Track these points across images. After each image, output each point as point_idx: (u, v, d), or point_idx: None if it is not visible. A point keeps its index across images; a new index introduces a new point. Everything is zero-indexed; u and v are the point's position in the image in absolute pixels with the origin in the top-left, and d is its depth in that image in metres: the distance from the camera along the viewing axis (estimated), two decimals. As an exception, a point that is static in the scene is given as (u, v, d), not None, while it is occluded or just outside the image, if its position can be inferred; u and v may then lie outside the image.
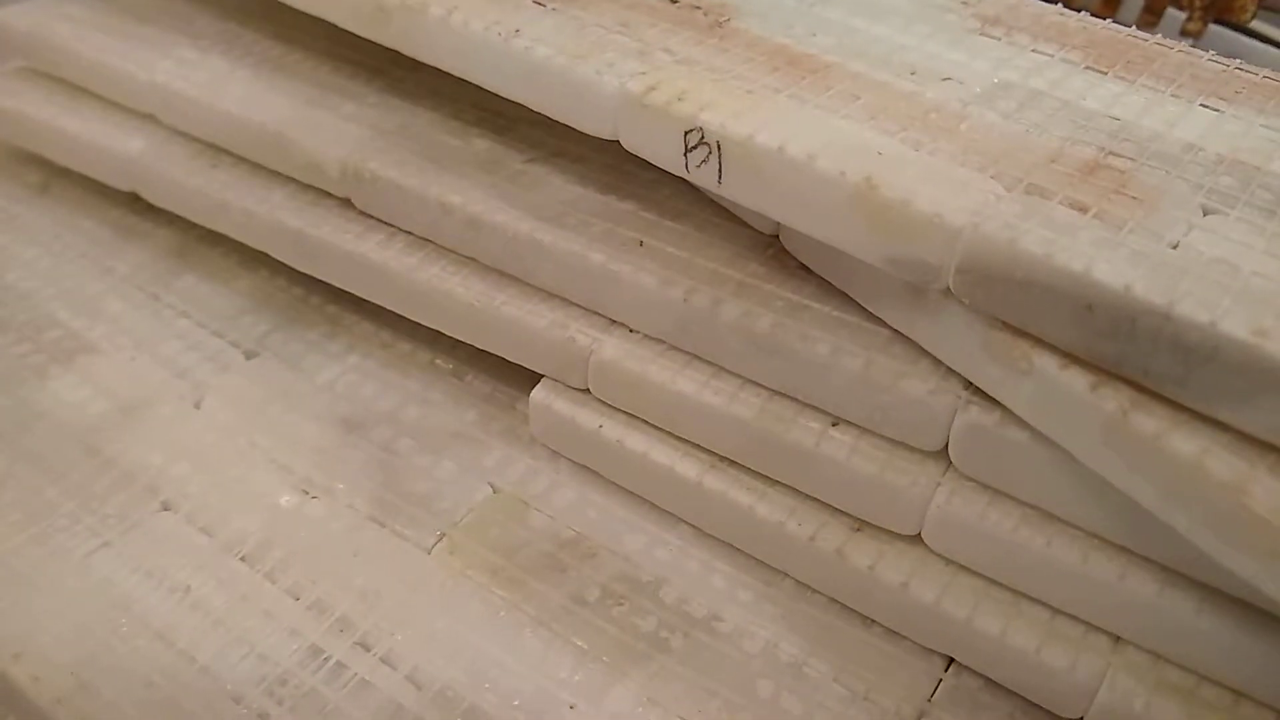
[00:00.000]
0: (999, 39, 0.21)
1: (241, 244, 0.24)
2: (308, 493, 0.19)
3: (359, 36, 0.21)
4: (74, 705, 0.16)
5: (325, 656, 0.17)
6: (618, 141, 0.18)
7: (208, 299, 0.24)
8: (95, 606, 0.17)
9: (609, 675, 0.17)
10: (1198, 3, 0.36)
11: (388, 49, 0.21)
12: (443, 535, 0.19)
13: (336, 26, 0.21)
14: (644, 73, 0.18)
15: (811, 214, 0.16)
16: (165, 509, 0.19)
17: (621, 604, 0.18)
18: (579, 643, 0.17)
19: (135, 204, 0.26)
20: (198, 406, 0.21)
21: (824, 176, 0.16)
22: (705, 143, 0.17)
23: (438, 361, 0.23)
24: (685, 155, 0.17)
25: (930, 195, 0.15)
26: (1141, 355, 0.14)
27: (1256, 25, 0.37)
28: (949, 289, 0.15)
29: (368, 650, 0.17)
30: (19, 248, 0.25)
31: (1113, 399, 0.14)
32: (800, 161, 0.16)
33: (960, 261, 0.15)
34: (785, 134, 0.16)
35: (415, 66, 0.21)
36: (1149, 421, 0.14)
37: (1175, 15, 0.36)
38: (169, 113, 0.24)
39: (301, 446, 0.20)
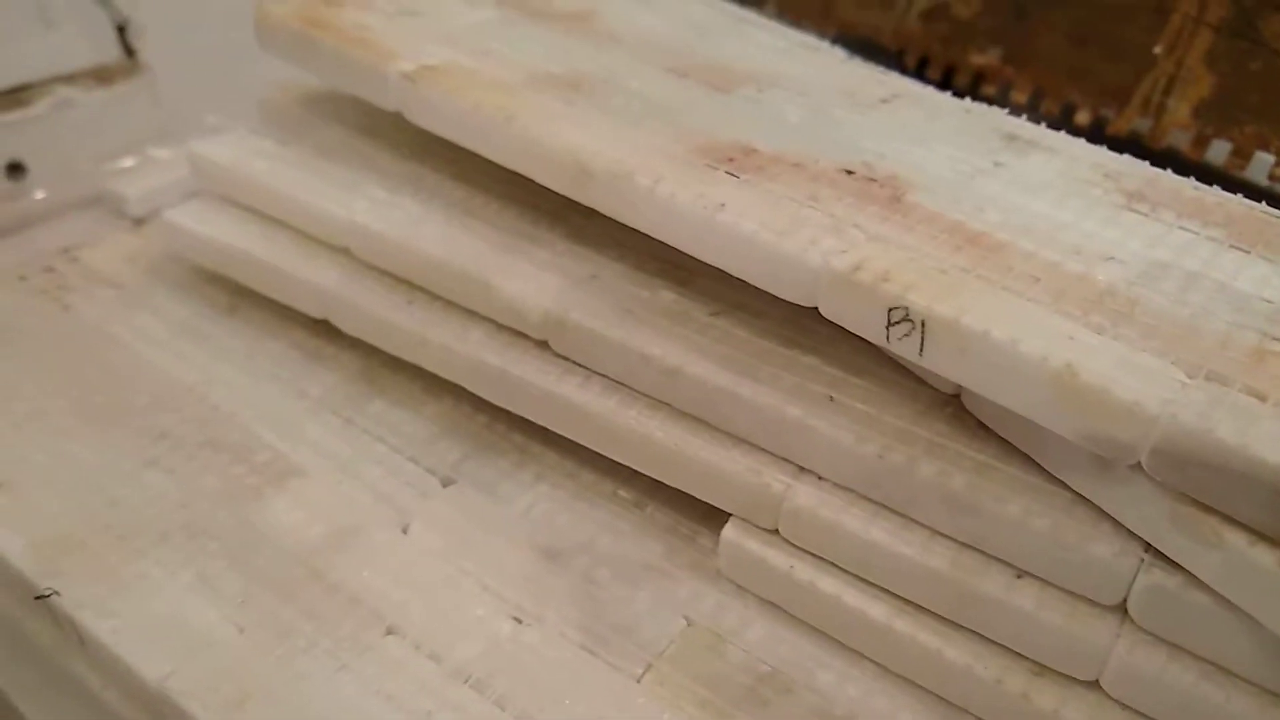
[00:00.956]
0: (1145, 215, 0.23)
1: (425, 370, 0.26)
2: (520, 620, 0.21)
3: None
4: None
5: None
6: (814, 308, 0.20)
7: (399, 424, 0.26)
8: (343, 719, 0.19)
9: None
10: None
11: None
12: (650, 666, 0.20)
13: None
14: (845, 250, 0.20)
15: (1013, 391, 0.18)
16: (391, 633, 0.21)
17: (823, 739, 0.20)
18: (788, 774, 0.19)
19: (317, 326, 0.28)
20: (405, 532, 0.23)
21: (1027, 359, 0.18)
22: (910, 320, 0.19)
23: (620, 492, 0.24)
24: (888, 328, 0.19)
25: (1126, 383, 0.17)
26: None
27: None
28: (1140, 465, 0.17)
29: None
30: (217, 367, 0.27)
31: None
32: (1004, 345, 0.18)
33: (1155, 444, 0.17)
34: (987, 318, 0.18)
35: (592, 214, 0.23)
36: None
37: (1264, 158, 0.38)
38: (365, 249, 0.26)
39: (508, 573, 0.22)
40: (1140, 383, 0.17)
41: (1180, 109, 0.40)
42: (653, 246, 0.23)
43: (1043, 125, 0.28)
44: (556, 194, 0.23)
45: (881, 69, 0.31)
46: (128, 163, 0.47)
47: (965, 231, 0.21)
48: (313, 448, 0.25)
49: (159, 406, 0.26)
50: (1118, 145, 0.42)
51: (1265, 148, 0.38)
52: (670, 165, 0.22)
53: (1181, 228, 0.23)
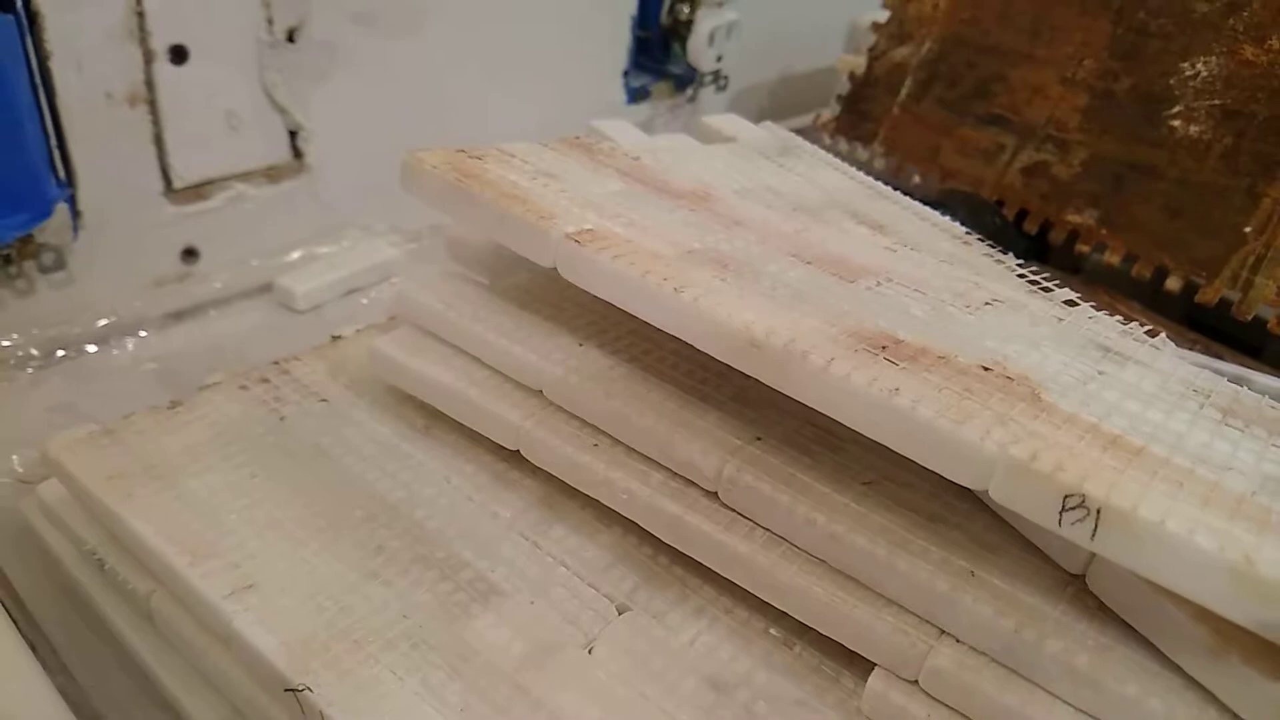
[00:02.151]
0: (1242, 430, 0.27)
1: (597, 501, 0.30)
2: (695, 744, 0.25)
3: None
4: None
5: None
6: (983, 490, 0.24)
7: (578, 550, 0.30)
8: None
9: None
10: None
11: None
12: (808, 794, 0.24)
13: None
14: (1018, 441, 0.23)
15: (1188, 580, 0.20)
16: (588, 745, 0.24)
17: None
18: None
19: (504, 451, 0.32)
20: (590, 652, 0.27)
21: (1204, 550, 0.20)
22: (1085, 507, 0.22)
23: (771, 631, 0.28)
24: (1060, 514, 0.22)
25: None
26: None
27: None
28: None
29: None
30: (419, 485, 0.31)
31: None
32: (1180, 536, 0.20)
33: None
34: (1159, 510, 0.21)
35: (752, 378, 0.27)
36: None
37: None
38: (557, 395, 0.31)
39: (683, 701, 0.26)
40: None
41: (1268, 287, 0.44)
42: (808, 413, 0.26)
43: (1136, 337, 0.31)
44: (725, 372, 0.27)
45: (967, 254, 0.35)
46: (293, 256, 0.52)
47: (1103, 434, 0.25)
48: (507, 568, 0.29)
49: (373, 521, 0.30)
50: (1207, 313, 0.45)
51: (1348, 330, 0.42)
52: (831, 345, 0.26)
53: (1275, 445, 0.26)
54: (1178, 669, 0.23)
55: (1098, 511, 0.22)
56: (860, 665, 0.26)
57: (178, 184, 0.48)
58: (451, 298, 0.33)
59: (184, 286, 0.50)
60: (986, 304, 0.32)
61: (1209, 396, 0.28)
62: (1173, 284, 0.46)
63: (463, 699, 0.25)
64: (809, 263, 0.32)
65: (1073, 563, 0.25)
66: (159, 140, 0.46)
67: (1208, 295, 0.45)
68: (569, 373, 0.30)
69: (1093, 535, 0.22)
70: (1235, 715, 0.22)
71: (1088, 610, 0.24)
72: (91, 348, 0.45)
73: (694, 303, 0.27)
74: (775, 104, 0.77)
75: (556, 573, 0.29)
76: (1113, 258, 0.48)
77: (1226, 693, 0.22)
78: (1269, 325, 0.43)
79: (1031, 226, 0.52)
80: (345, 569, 0.28)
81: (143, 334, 0.46)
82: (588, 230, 0.30)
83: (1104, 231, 0.49)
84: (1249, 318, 0.44)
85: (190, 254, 0.50)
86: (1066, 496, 0.22)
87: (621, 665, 0.27)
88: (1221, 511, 0.22)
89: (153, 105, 0.45)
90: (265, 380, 0.35)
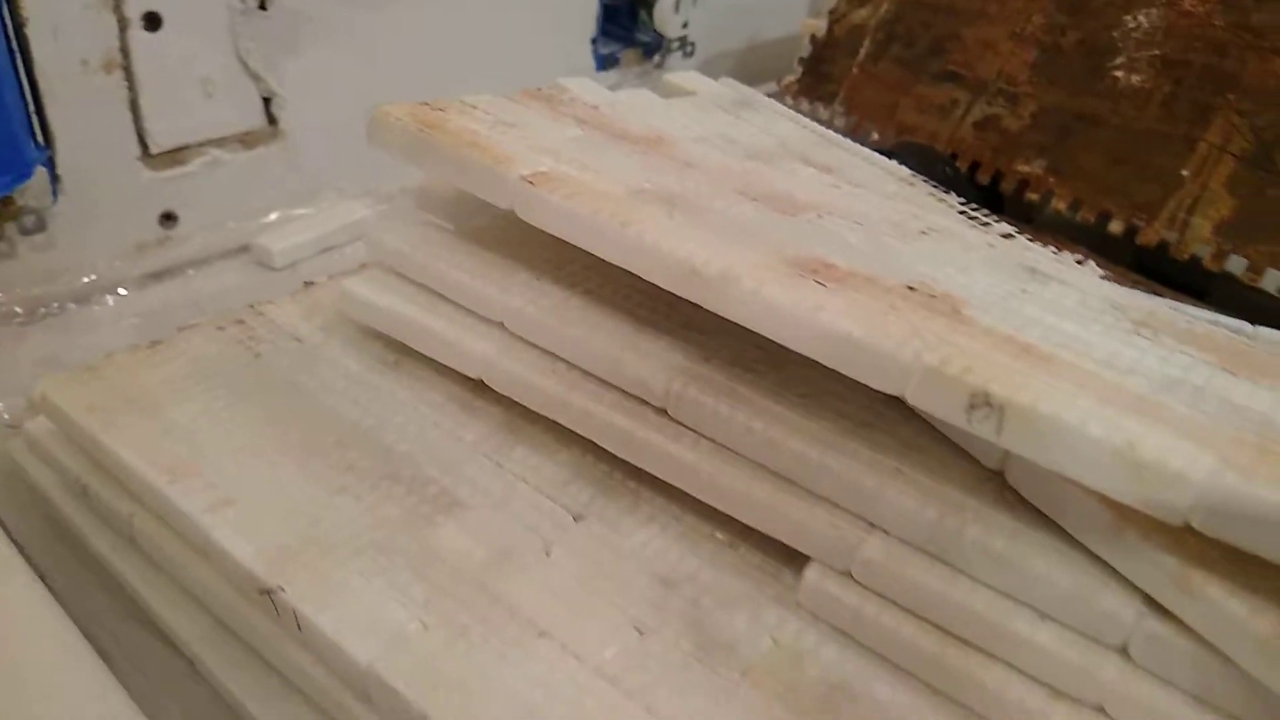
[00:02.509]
0: (1151, 339, 0.29)
1: (556, 424, 0.32)
2: (643, 632, 0.27)
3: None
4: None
5: (683, 757, 0.24)
6: (900, 396, 0.25)
7: (538, 467, 0.32)
8: (519, 708, 0.24)
9: (880, 790, 0.24)
10: (1290, 266, 0.44)
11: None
12: (745, 672, 0.26)
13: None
14: (932, 349, 0.25)
15: (1080, 465, 0.22)
16: (542, 636, 0.26)
17: (882, 738, 0.25)
18: (856, 764, 0.24)
19: (469, 382, 0.34)
20: (548, 554, 0.29)
21: (1094, 438, 0.22)
22: (990, 405, 0.24)
23: (717, 535, 0.30)
24: (969, 412, 0.24)
25: (1176, 457, 0.22)
26: None
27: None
28: (1181, 527, 0.22)
29: (709, 755, 0.24)
30: (388, 414, 0.33)
31: (1266, 624, 0.21)
32: (1074, 426, 0.22)
33: (1202, 504, 0.21)
34: (1057, 405, 0.23)
35: (700, 306, 0.28)
36: (1288, 647, 0.21)
37: (1275, 274, 0.44)
38: (517, 326, 0.32)
39: (633, 595, 0.28)
40: (1186, 458, 0.22)
41: (1203, 226, 0.46)
42: (751, 336, 0.28)
43: (1065, 263, 0.33)
44: (670, 298, 0.29)
45: (909, 191, 0.37)
46: (270, 218, 0.54)
47: (1018, 343, 0.27)
48: (470, 484, 0.31)
49: (344, 445, 0.32)
50: (1147, 253, 0.47)
51: (1277, 265, 0.44)
52: (767, 271, 0.28)
53: (1182, 352, 0.28)
54: (1084, 548, 0.25)
55: (1001, 409, 0.24)
56: (798, 563, 0.28)
57: (154, 149, 0.49)
58: (417, 240, 0.35)
59: (163, 249, 0.51)
60: (922, 233, 0.34)
61: (1125, 311, 0.30)
62: (1115, 227, 0.48)
63: (426, 596, 0.27)
64: (754, 200, 0.34)
65: (990, 459, 0.27)
66: (135, 106, 0.47)
67: (1148, 236, 0.47)
68: (527, 304, 0.32)
69: (998, 431, 0.24)
70: (1133, 585, 0.24)
71: (1005, 501, 0.26)
72: (74, 306, 0.46)
73: (639, 236, 0.29)
74: (742, 70, 0.78)
75: (517, 488, 0.31)
76: (1059, 204, 0.50)
77: (1126, 566, 0.24)
78: (1204, 262, 0.45)
79: (984, 177, 0.54)
80: (317, 486, 0.30)
81: (123, 292, 0.48)
82: (542, 173, 0.31)
83: (1051, 180, 0.51)
84: (1186, 256, 0.46)
85: (169, 218, 0.51)
86: (973, 396, 0.24)
87: (576, 566, 0.28)
88: (1117, 407, 0.24)
89: (128, 72, 0.47)
90: (241, 322, 0.37)
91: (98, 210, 0.48)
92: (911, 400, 0.25)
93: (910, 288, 0.29)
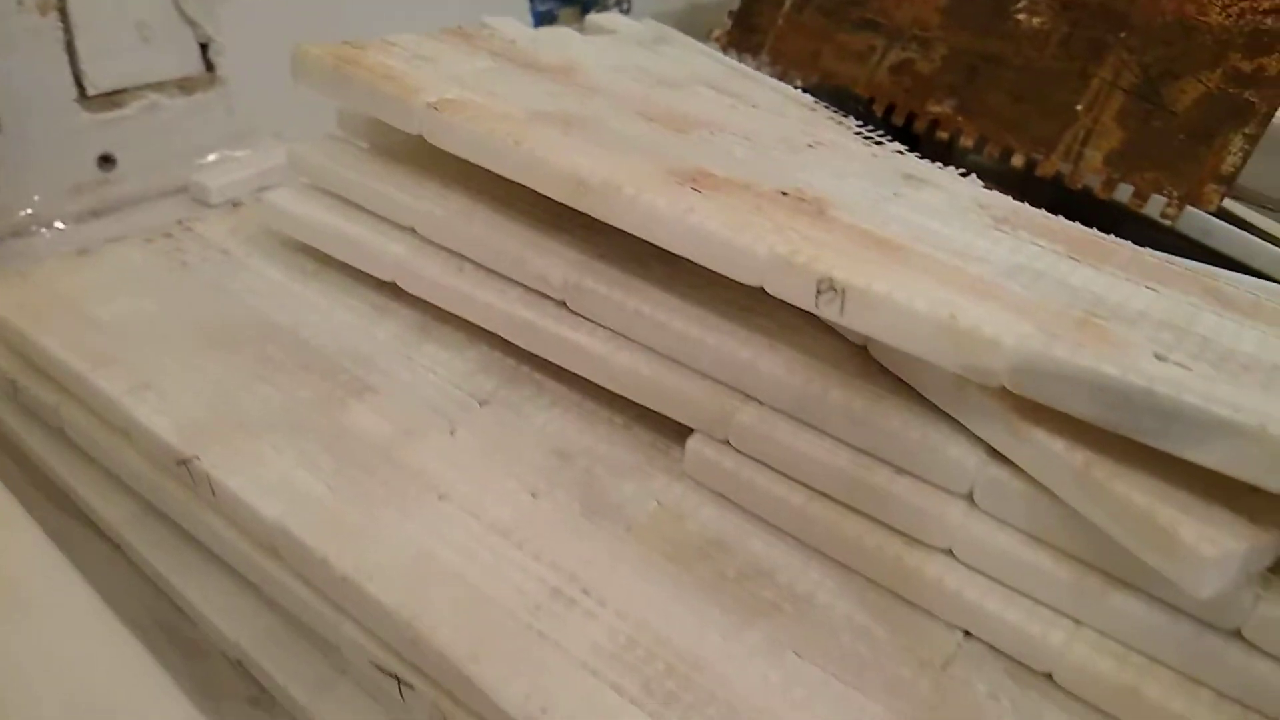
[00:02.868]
0: (1008, 233, 0.31)
1: (467, 324, 0.34)
2: (536, 495, 0.29)
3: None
4: (406, 604, 0.25)
5: (565, 595, 0.26)
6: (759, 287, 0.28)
7: (447, 361, 0.34)
8: (411, 552, 0.26)
9: (743, 623, 0.26)
10: (1174, 194, 0.47)
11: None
12: (630, 528, 0.28)
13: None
14: (786, 243, 0.27)
15: (909, 336, 0.25)
16: (442, 499, 0.28)
17: (751, 581, 0.27)
18: (724, 603, 0.26)
19: (383, 288, 0.36)
20: (453, 433, 0.31)
21: (920, 312, 0.24)
22: (834, 289, 0.26)
23: (614, 419, 0.32)
24: (817, 296, 0.27)
25: (992, 327, 0.24)
26: (1134, 418, 0.23)
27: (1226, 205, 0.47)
28: (1002, 387, 0.25)
29: (589, 595, 0.26)
30: (306, 314, 0.35)
31: (1079, 456, 0.24)
32: (903, 302, 0.25)
33: (1013, 366, 0.24)
34: (890, 286, 0.25)
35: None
36: (1102, 470, 0.23)
37: (1158, 199, 0.46)
38: (427, 229, 0.34)
39: (528, 465, 0.30)
40: (1001, 327, 0.24)
41: (1095, 157, 0.48)
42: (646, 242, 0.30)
43: (947, 168, 0.36)
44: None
45: (809, 115, 0.39)
46: (209, 159, 0.55)
47: (874, 237, 0.29)
48: (381, 374, 0.33)
49: (264, 339, 0.33)
50: (1044, 184, 0.50)
51: (1160, 191, 0.46)
52: (648, 181, 0.30)
53: (1033, 243, 0.31)
54: (934, 407, 0.27)
55: (843, 291, 0.26)
56: (686, 440, 0.30)
57: (91, 91, 0.50)
58: (335, 153, 0.37)
59: (101, 189, 0.52)
60: (809, 146, 0.36)
61: (989, 209, 0.33)
62: (1017, 161, 0.51)
63: (334, 465, 0.29)
64: (651, 119, 0.36)
65: (856, 336, 0.29)
66: (71, 48, 0.49)
67: (1045, 169, 0.49)
68: (436, 208, 0.34)
69: (841, 311, 0.26)
70: (975, 438, 0.26)
71: (867, 371, 0.29)
72: (12, 239, 0.48)
73: (530, 153, 0.31)
74: (680, 28, 0.80)
75: (426, 378, 0.33)
76: (967, 141, 0.53)
77: (968, 419, 0.26)
78: (1095, 191, 0.48)
79: (898, 119, 0.56)
80: (235, 375, 0.32)
81: (60, 226, 0.49)
82: (448, 99, 0.33)
83: (960, 119, 0.53)
84: (1079, 186, 0.48)
85: (107, 160, 0.53)
86: (819, 281, 0.26)
87: (479, 442, 0.30)
88: (952, 286, 0.26)
89: (63, 14, 0.48)
90: (169, 236, 0.38)
91: (35, 151, 0.49)
92: (770, 289, 0.27)
93: (783, 192, 0.31)
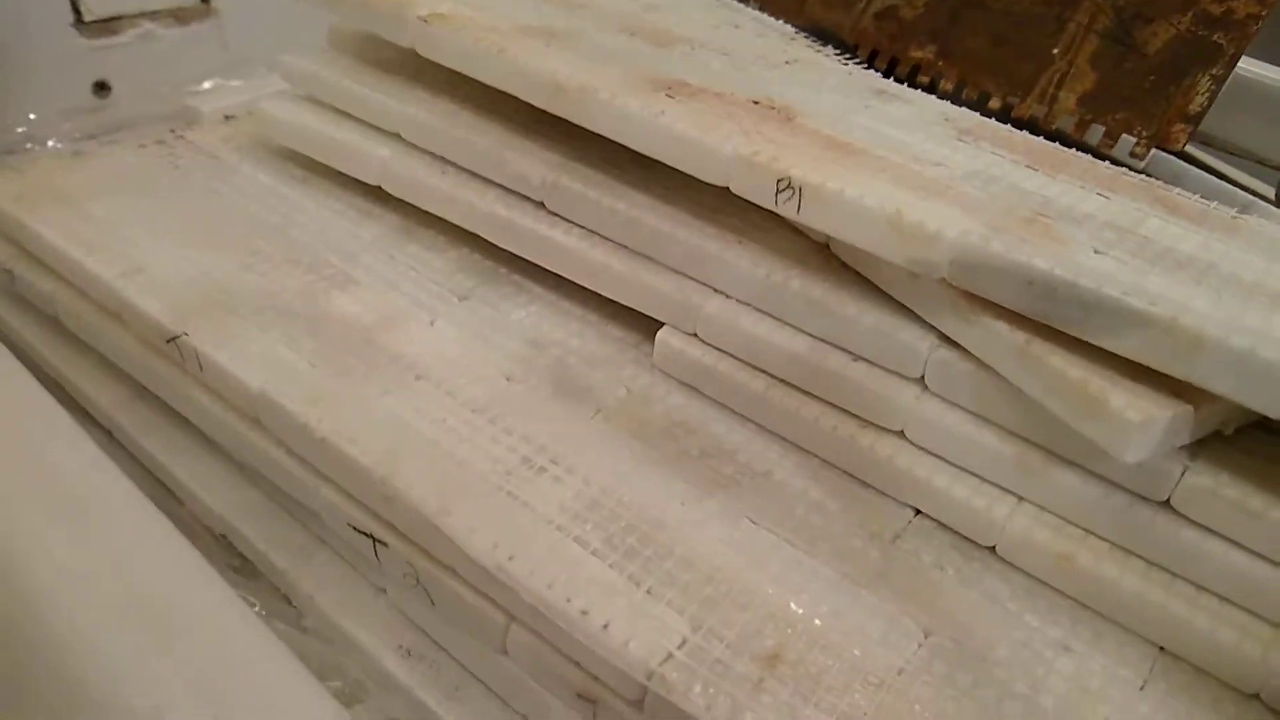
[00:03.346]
0: (969, 144, 0.32)
1: (449, 226, 0.35)
2: (510, 379, 0.30)
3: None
4: (382, 463, 0.26)
5: (534, 464, 0.27)
6: (726, 187, 0.29)
7: (429, 261, 0.35)
8: (392, 424, 0.27)
9: (703, 494, 0.27)
10: (1143, 134, 0.48)
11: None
12: (599, 410, 0.29)
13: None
14: (752, 145, 0.29)
15: (860, 231, 0.26)
16: (420, 378, 0.29)
17: (712, 459, 0.28)
18: (686, 476, 0.28)
19: (370, 193, 0.37)
20: (432, 324, 0.32)
21: (869, 208, 0.26)
22: (791, 187, 0.28)
23: (589, 316, 0.33)
24: (776, 195, 0.28)
25: (935, 221, 0.26)
26: (1059, 308, 0.24)
27: (1190, 150, 0.49)
28: (944, 278, 0.26)
29: (557, 464, 0.27)
30: (294, 214, 0.36)
31: (1020, 336, 0.25)
32: (854, 199, 0.26)
33: (953, 258, 0.25)
34: (844, 184, 0.27)
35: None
36: (1040, 348, 0.25)
37: (1128, 140, 0.47)
38: (412, 133, 0.35)
39: (504, 352, 0.31)
40: (945, 223, 0.26)
41: (1069, 99, 0.49)
42: (620, 146, 0.31)
43: (918, 90, 0.37)
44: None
45: (789, 41, 0.40)
46: (204, 86, 0.56)
47: (836, 142, 0.30)
48: (365, 269, 0.34)
49: (252, 235, 0.35)
50: (1020, 126, 0.51)
51: (1130, 131, 0.48)
52: (624, 87, 0.31)
53: (993, 153, 0.32)
54: (890, 299, 0.28)
55: (800, 189, 0.27)
56: (655, 336, 0.31)
57: (87, 17, 0.51)
58: (326, 64, 0.38)
59: (96, 114, 0.53)
60: (786, 63, 0.37)
61: (954, 122, 0.34)
62: (994, 104, 0.52)
63: (317, 345, 0.30)
64: (634, 34, 0.37)
65: (818, 234, 0.31)
66: (67, -27, 0.49)
67: (1021, 111, 0.51)
68: (421, 113, 0.35)
69: (798, 209, 0.27)
70: (927, 324, 0.28)
71: (828, 266, 0.30)
72: (6, 156, 0.49)
73: (512, 60, 0.32)
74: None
75: (408, 274, 0.34)
76: (947, 85, 0.54)
77: (920, 305, 0.28)
78: (1069, 133, 0.49)
79: (881, 65, 0.57)
80: (223, 264, 0.33)
81: (54, 144, 0.50)
82: (439, 14, 0.34)
83: (940, 63, 0.54)
84: (1054, 128, 0.50)
85: (102, 87, 0.53)
86: (779, 180, 0.28)
87: (457, 332, 0.32)
88: (905, 186, 0.27)
89: (61, -62, 0.48)
90: (162, 142, 0.40)
91: (31, 73, 0.49)
92: (735, 189, 0.29)
93: (755, 101, 0.32)
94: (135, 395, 0.33)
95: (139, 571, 0.23)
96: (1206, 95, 0.47)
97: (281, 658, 0.22)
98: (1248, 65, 0.54)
